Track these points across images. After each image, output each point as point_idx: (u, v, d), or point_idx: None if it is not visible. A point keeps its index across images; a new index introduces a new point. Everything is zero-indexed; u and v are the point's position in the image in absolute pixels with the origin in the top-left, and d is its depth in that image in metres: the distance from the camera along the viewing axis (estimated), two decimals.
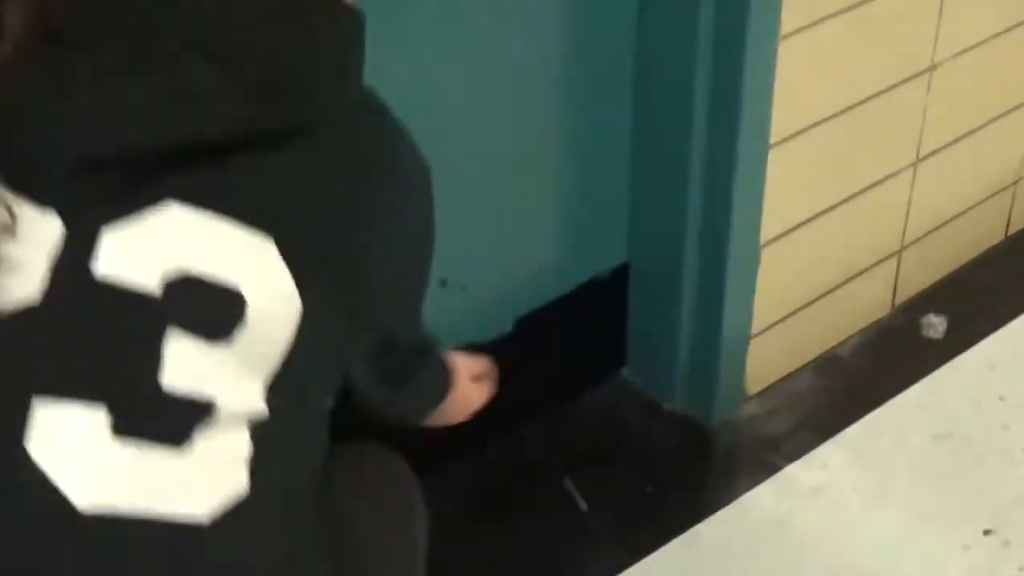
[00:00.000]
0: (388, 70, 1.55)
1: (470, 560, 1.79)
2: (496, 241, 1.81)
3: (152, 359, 0.91)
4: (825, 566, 1.78)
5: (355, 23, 1.00)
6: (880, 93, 1.92)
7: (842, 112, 1.88)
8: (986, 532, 1.84)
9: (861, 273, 2.12)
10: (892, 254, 2.16)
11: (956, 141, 2.13)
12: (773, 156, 1.82)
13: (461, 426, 1.87)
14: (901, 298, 2.23)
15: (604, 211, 1.92)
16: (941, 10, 1.94)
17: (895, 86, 1.94)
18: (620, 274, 1.97)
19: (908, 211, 2.12)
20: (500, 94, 1.71)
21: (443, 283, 1.76)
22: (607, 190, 1.90)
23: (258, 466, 0.95)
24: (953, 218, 2.24)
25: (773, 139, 1.80)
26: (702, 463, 1.99)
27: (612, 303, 1.99)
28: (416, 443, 1.83)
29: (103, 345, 0.92)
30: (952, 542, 1.82)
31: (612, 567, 1.78)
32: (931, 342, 2.19)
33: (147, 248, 0.91)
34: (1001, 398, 2.07)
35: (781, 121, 1.80)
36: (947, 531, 1.83)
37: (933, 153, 2.09)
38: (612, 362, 2.05)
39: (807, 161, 1.88)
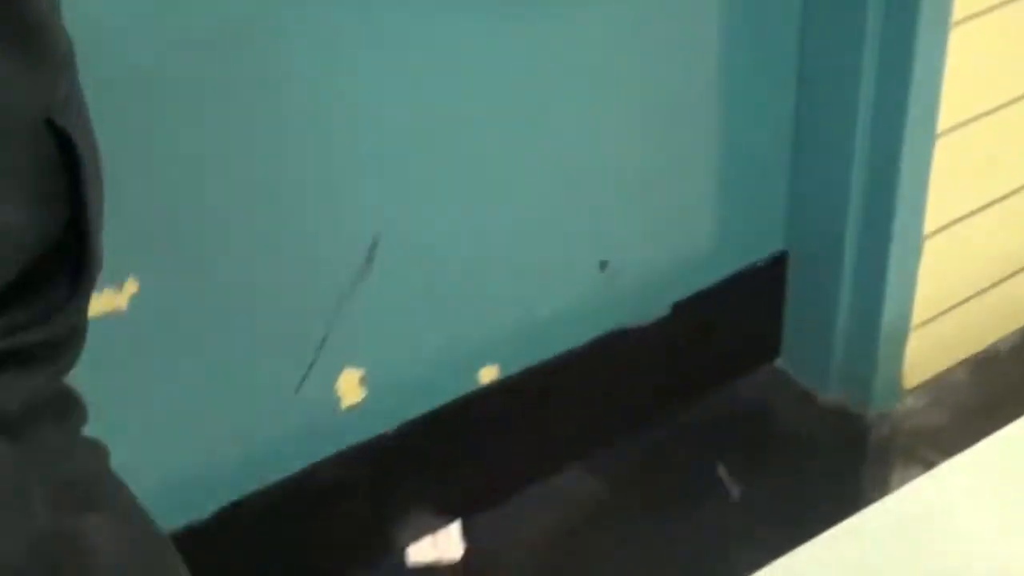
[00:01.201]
0: (551, 58, 1.58)
1: (621, 547, 1.79)
2: (655, 226, 1.81)
3: None
4: (978, 565, 1.75)
5: None
6: None
7: (1011, 102, 1.85)
8: None
9: (1023, 269, 2.08)
10: None
11: None
12: (940, 145, 1.79)
13: (615, 408, 1.89)
14: None
15: (764, 197, 1.90)
16: None
17: None
18: (778, 262, 1.96)
19: None
20: (662, 80, 1.71)
21: (603, 266, 1.77)
22: (768, 176, 1.89)
23: None
24: None
25: (940, 128, 1.77)
26: (857, 455, 1.97)
27: (769, 291, 1.98)
28: (569, 429, 1.86)
29: None
30: None
31: (762, 558, 1.76)
32: None
33: None
34: None
35: (949, 110, 1.77)
36: None
37: None
38: (767, 351, 2.04)
39: (974, 152, 1.85)
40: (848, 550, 1.78)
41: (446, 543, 1.79)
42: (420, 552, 1.78)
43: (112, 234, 1.34)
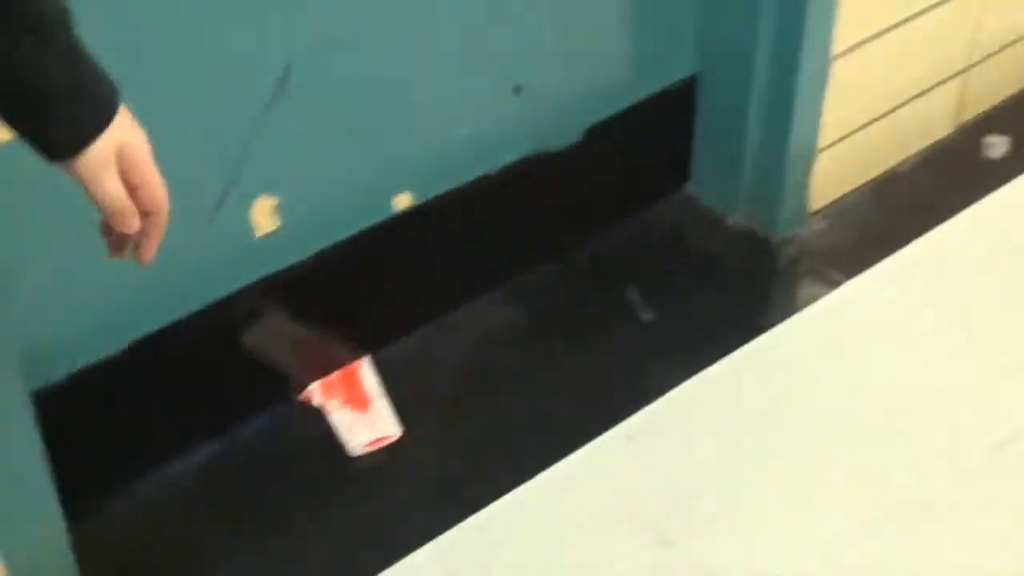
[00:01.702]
0: None
1: (537, 371, 1.81)
2: (568, 51, 1.80)
3: None
4: (885, 378, 1.80)
5: None
6: None
7: None
8: None
9: (927, 91, 2.10)
10: (958, 72, 2.14)
11: None
12: None
13: (529, 234, 1.89)
14: (964, 118, 2.22)
15: (674, 22, 1.89)
16: None
17: None
18: (688, 86, 1.96)
19: (976, 29, 2.10)
20: None
21: (517, 89, 1.75)
22: (678, 1, 1.87)
23: None
24: (1018, 40, 2.21)
25: None
26: (764, 276, 2.00)
27: (680, 116, 1.98)
28: (483, 256, 1.86)
29: None
30: (1017, 358, 1.83)
31: (675, 377, 1.80)
32: (991, 162, 2.19)
33: None
34: None
35: None
36: (1013, 347, 1.85)
37: None
38: (678, 175, 2.05)
39: None
40: (758, 368, 1.82)
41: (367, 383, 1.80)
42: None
43: None
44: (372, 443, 1.71)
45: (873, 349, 1.85)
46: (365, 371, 1.79)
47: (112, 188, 0.98)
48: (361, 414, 1.74)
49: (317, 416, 1.74)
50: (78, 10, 1.29)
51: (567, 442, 1.68)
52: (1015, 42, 2.20)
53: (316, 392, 1.76)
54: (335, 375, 1.77)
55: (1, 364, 1.28)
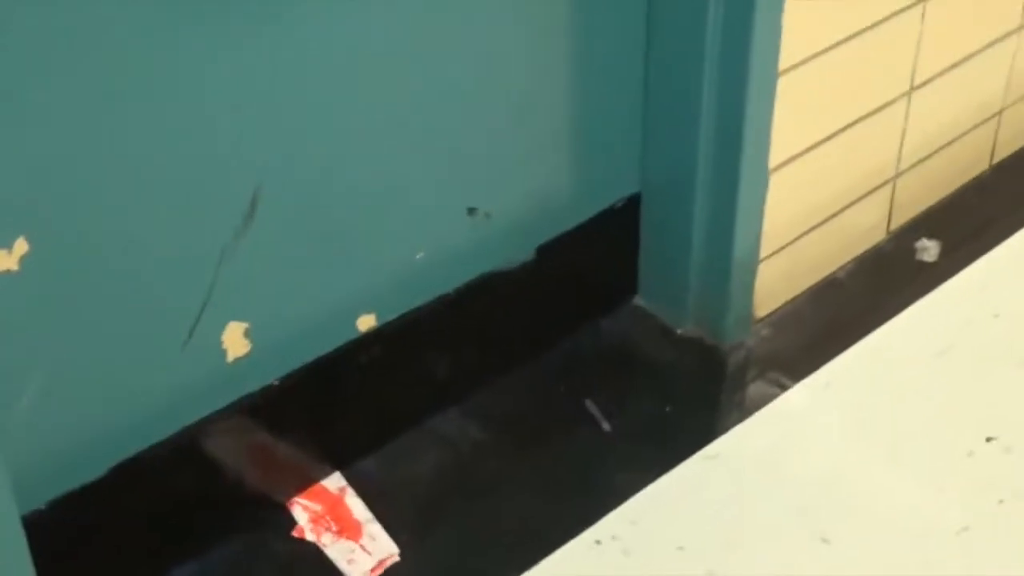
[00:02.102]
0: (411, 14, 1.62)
1: (501, 482, 1.86)
2: (517, 174, 1.88)
3: None
4: (837, 477, 1.87)
5: None
6: (879, 23, 2.00)
7: (845, 40, 1.96)
8: (988, 439, 1.93)
9: (859, 199, 2.20)
10: (888, 180, 2.24)
11: (946, 71, 2.21)
12: (782, 84, 1.89)
13: (487, 349, 1.96)
14: (896, 223, 2.32)
15: (618, 144, 1.98)
16: None
17: (892, 15, 2.02)
18: (633, 203, 2.05)
19: (903, 138, 2.21)
20: (511, 28, 1.77)
21: (471, 211, 1.83)
22: (621, 123, 1.96)
23: None
24: (944, 146, 2.32)
25: (782, 67, 1.87)
26: (715, 383, 2.07)
27: (626, 232, 2.07)
28: (443, 373, 1.92)
29: None
30: (957, 448, 1.91)
31: (636, 482, 1.86)
32: (925, 265, 2.29)
33: None
34: (996, 315, 2.16)
35: (789, 50, 1.87)
36: (952, 438, 1.92)
37: (926, 82, 2.18)
38: (626, 288, 2.12)
39: (811, 89, 1.96)
40: (715, 471, 1.88)
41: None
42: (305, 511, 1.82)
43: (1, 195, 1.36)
44: (374, 569, 1.75)
45: (818, 447, 1.91)
46: (350, 498, 1.83)
47: None
48: (355, 543, 1.78)
49: (313, 550, 1.77)
50: (40, 139, 1.36)
51: (542, 544, 1.74)
52: (939, 150, 2.32)
53: (307, 527, 1.79)
54: (321, 507, 1.81)
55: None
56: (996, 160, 2.49)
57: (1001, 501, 1.82)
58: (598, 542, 1.75)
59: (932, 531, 1.77)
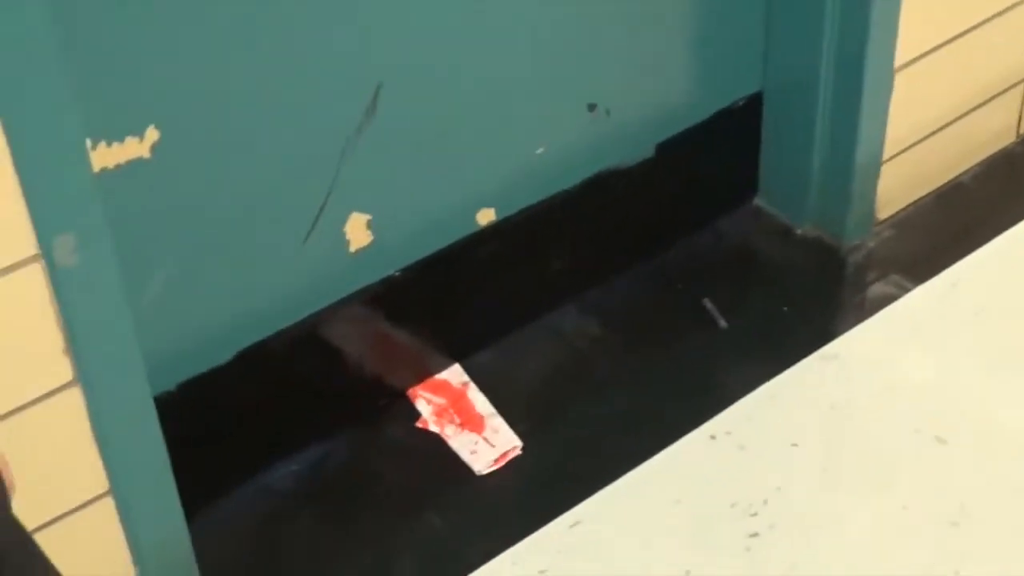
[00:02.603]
0: None
1: (616, 379, 1.88)
2: (638, 71, 1.88)
3: None
4: (955, 379, 1.86)
5: None
6: None
7: None
8: None
9: (988, 101, 2.16)
10: (1018, 82, 2.19)
11: None
12: None
13: (605, 246, 1.97)
14: None
15: (740, 40, 1.97)
16: None
17: None
18: (754, 103, 2.03)
19: None
20: None
21: (591, 107, 1.83)
22: (743, 19, 1.95)
23: None
24: None
25: None
26: (833, 284, 2.06)
27: (747, 131, 2.06)
28: (561, 268, 1.94)
29: None
30: None
31: (751, 381, 1.87)
32: None
33: None
34: None
35: None
36: None
37: None
38: (747, 189, 2.12)
39: None
40: (831, 372, 1.88)
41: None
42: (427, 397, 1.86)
43: (131, 87, 1.41)
44: (497, 460, 1.79)
45: (938, 353, 1.90)
46: (472, 392, 1.86)
47: None
48: (478, 435, 1.82)
49: (436, 441, 1.81)
50: (174, 33, 1.39)
51: (658, 438, 1.76)
52: None
53: (430, 419, 1.83)
54: (445, 400, 1.85)
55: (132, 371, 1.37)
56: None
57: None
58: (713, 437, 1.77)
59: None
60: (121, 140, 1.41)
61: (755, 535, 1.64)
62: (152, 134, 1.44)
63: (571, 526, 1.67)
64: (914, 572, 1.59)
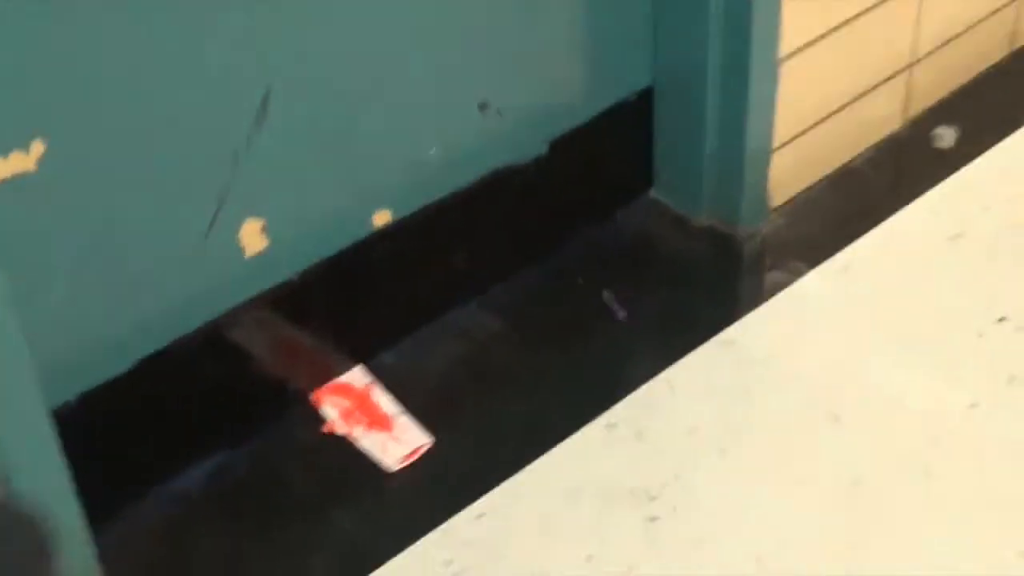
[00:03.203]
0: None
1: (520, 374, 1.91)
2: (529, 68, 1.91)
3: None
4: (851, 360, 1.90)
5: None
6: None
7: None
8: (1000, 319, 1.95)
9: (874, 88, 2.21)
10: (903, 68, 2.25)
11: None
12: None
13: (503, 243, 2.00)
14: (913, 111, 2.33)
15: (628, 35, 2.00)
16: None
17: None
18: (645, 97, 2.07)
19: (919, 25, 2.21)
20: None
21: (482, 107, 1.86)
22: (632, 16, 1.98)
23: None
24: (962, 32, 2.32)
25: None
26: (730, 272, 2.11)
27: (639, 125, 2.09)
28: (460, 267, 1.96)
29: None
30: (968, 331, 1.93)
31: (652, 369, 1.90)
32: (942, 152, 2.30)
33: None
34: (1010, 201, 2.17)
35: None
36: (964, 320, 1.95)
37: None
38: (642, 181, 2.15)
39: None
40: (730, 357, 1.92)
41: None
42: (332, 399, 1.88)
43: (13, 100, 1.41)
44: (408, 456, 1.80)
45: (832, 335, 1.95)
46: (377, 393, 1.88)
47: None
48: (387, 433, 1.83)
49: (345, 443, 1.83)
50: (58, 39, 1.40)
51: (560, 430, 1.80)
52: (957, 36, 2.32)
53: (338, 422, 1.85)
54: (350, 402, 1.87)
55: (25, 384, 1.37)
56: (1016, 47, 2.49)
57: (1011, 379, 1.85)
58: (611, 425, 1.80)
59: (942, 410, 1.81)
60: (6, 155, 1.42)
61: (655, 519, 1.67)
62: (38, 147, 1.44)
63: (476, 518, 1.69)
64: (811, 547, 1.63)
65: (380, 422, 1.85)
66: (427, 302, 1.95)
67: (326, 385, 1.88)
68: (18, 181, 1.44)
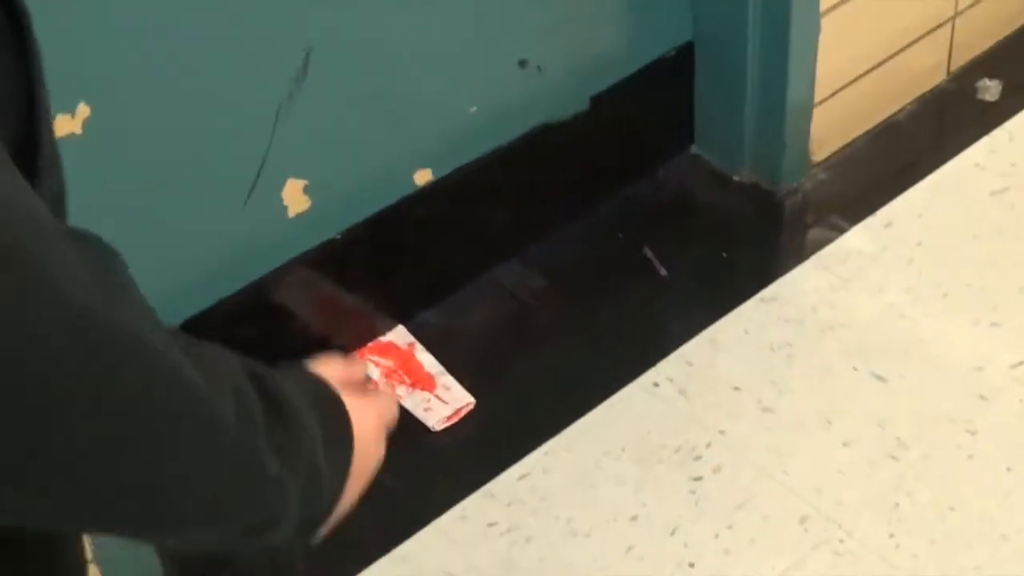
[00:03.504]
0: None
1: (561, 330, 1.91)
2: (569, 25, 1.89)
3: None
4: (893, 317, 1.89)
5: None
6: None
7: None
8: None
9: (917, 40, 2.19)
10: (947, 20, 2.22)
11: None
12: None
13: (544, 200, 1.99)
14: (956, 64, 2.30)
15: None
16: None
17: None
18: (686, 52, 2.05)
19: None
20: None
21: (522, 64, 1.85)
22: None
23: None
24: None
25: None
26: (772, 228, 2.10)
27: (680, 80, 2.08)
28: (501, 224, 1.95)
29: None
30: (1011, 286, 1.92)
31: (693, 327, 1.90)
32: (986, 105, 2.27)
33: None
34: None
35: None
36: (1009, 276, 1.93)
37: None
38: (682, 138, 2.14)
39: None
40: (771, 313, 1.92)
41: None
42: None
43: (59, 62, 1.40)
44: (451, 416, 1.81)
45: (877, 290, 1.94)
46: (420, 352, 1.88)
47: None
48: (430, 393, 1.84)
49: None
50: (100, 10, 1.40)
51: (603, 388, 1.80)
52: None
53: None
54: (393, 362, 1.87)
55: None
56: None
57: None
58: (656, 384, 1.80)
59: (986, 366, 1.80)
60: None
61: (699, 479, 1.67)
62: (83, 110, 1.44)
63: (519, 478, 1.70)
64: (856, 506, 1.63)
65: (423, 382, 1.85)
66: (469, 260, 1.94)
67: (369, 344, 1.88)
68: (63, 144, 1.44)
